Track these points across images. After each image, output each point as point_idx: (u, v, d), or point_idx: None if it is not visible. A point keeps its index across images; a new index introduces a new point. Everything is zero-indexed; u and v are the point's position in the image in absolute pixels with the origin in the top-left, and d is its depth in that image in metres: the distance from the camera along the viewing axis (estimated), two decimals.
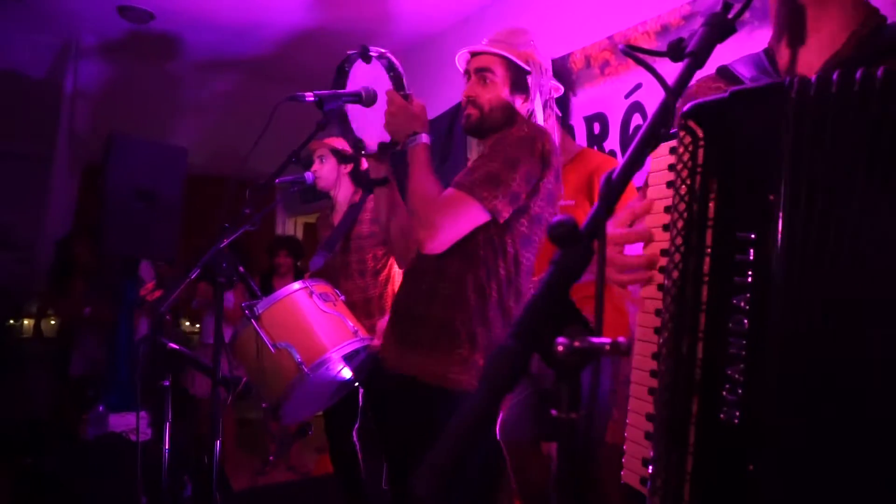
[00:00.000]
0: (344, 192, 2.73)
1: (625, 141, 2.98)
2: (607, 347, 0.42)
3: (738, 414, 0.63)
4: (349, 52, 1.74)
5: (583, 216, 2.17)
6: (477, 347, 1.57)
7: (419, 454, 1.58)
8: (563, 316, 0.41)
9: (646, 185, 0.79)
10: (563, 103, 3.22)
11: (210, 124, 5.45)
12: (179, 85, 5.24)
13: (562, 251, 0.43)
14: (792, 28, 0.82)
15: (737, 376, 0.64)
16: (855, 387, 0.60)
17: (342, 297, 2.41)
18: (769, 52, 0.88)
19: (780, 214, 0.64)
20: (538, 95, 1.70)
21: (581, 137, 3.18)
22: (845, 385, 0.61)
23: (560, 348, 0.41)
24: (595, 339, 0.42)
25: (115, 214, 3.53)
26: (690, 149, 0.68)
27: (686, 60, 0.56)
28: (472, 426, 0.42)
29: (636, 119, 2.93)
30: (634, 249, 0.72)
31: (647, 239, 0.74)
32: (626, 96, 2.95)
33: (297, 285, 2.34)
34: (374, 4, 4.06)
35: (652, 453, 0.70)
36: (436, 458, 0.45)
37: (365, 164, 2.80)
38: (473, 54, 1.73)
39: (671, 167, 0.71)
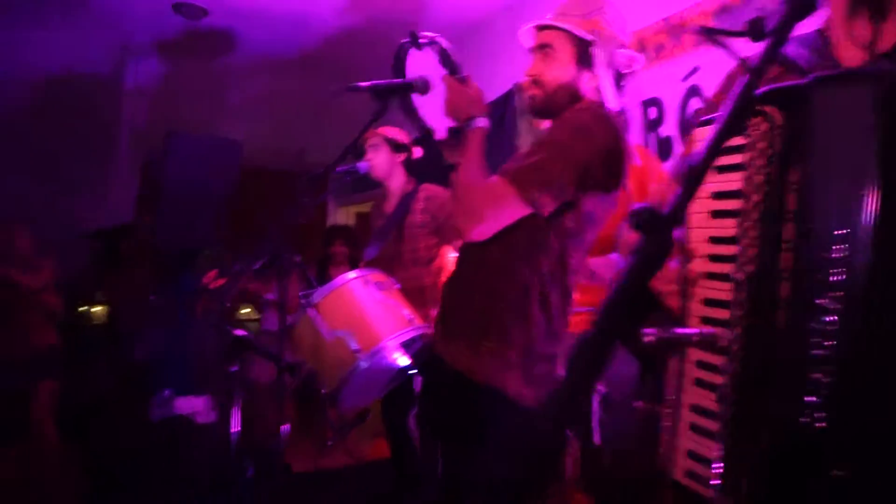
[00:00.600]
0: (397, 182, 2.74)
1: (683, 125, 2.90)
2: (695, 338, 0.41)
3: (823, 417, 0.59)
4: (402, 41, 1.72)
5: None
6: (510, 343, 1.51)
7: (460, 441, 1.56)
8: (646, 305, 0.41)
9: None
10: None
11: (262, 118, 5.56)
12: (232, 80, 5.36)
13: (644, 240, 0.42)
14: (872, 4, 0.78)
15: (823, 379, 0.60)
16: None
17: (397, 286, 2.43)
18: (822, 33, 0.83)
19: (874, 209, 0.60)
20: (604, 69, 1.52)
21: (637, 123, 3.11)
22: None
23: (648, 338, 0.40)
24: (682, 330, 0.41)
25: (172, 207, 3.65)
26: (768, 136, 0.65)
27: (767, 40, 0.53)
28: (558, 417, 0.41)
29: (694, 103, 2.84)
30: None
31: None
32: (684, 79, 2.87)
33: (352, 274, 2.37)
34: None
35: (717, 452, 0.67)
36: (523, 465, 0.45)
37: (417, 154, 2.81)
38: (539, 28, 1.61)
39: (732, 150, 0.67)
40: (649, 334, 0.40)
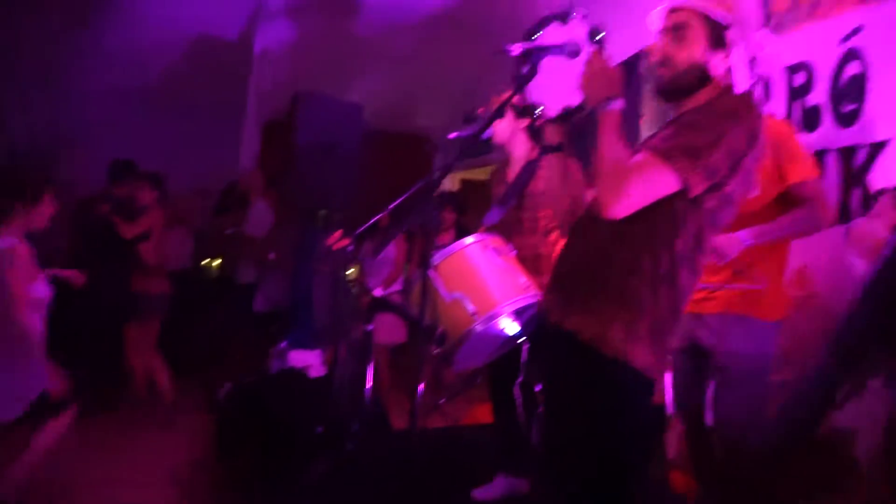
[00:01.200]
0: (520, 148, 2.69)
1: (834, 93, 2.63)
2: None
3: None
4: (547, 14, 1.72)
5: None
6: (643, 315, 1.52)
7: (568, 410, 1.56)
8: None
9: None
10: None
11: (389, 80, 5.64)
12: (360, 42, 5.44)
13: None
14: None
15: None
16: None
17: (514, 252, 2.41)
18: None
19: None
20: (738, 54, 1.56)
21: (780, 90, 2.86)
22: None
23: None
24: None
25: (300, 168, 3.80)
26: None
27: None
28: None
29: (852, 68, 2.56)
30: None
31: None
32: (843, 41, 2.59)
33: (472, 238, 2.37)
34: None
35: None
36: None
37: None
38: (670, 10, 1.62)
39: None
40: None
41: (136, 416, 4.14)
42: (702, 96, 1.59)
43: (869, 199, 2.46)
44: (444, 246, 2.53)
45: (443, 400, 4.67)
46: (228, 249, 5.44)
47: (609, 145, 1.51)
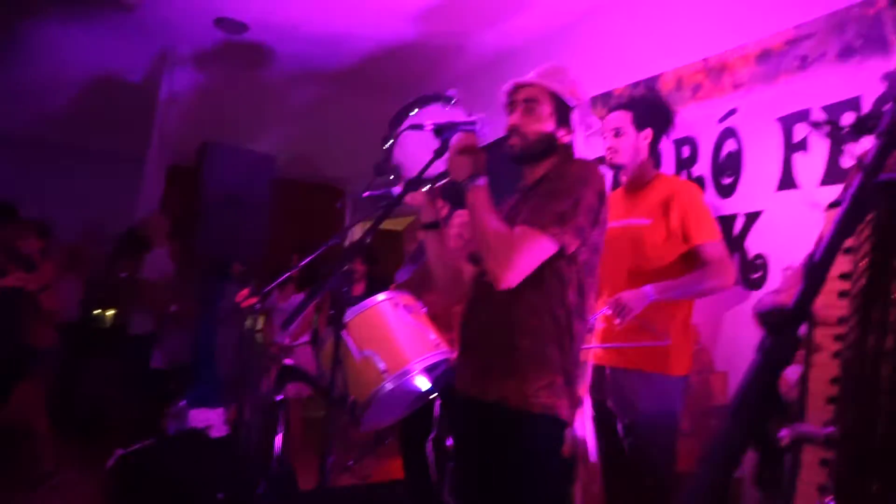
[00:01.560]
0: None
1: (715, 167, 2.91)
2: (822, 436, 0.41)
3: None
4: (411, 99, 1.88)
5: (657, 235, 2.16)
6: (557, 371, 1.66)
7: (500, 474, 1.63)
8: (774, 406, 0.41)
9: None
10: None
11: (298, 132, 5.64)
12: (269, 93, 5.43)
13: (772, 339, 0.43)
14: None
15: None
16: None
17: (424, 309, 2.45)
18: None
19: None
20: (580, 130, 1.80)
21: (669, 160, 3.12)
22: None
23: (784, 441, 0.41)
24: (808, 429, 0.42)
25: (208, 218, 3.70)
26: (871, 224, 0.65)
27: (881, 140, 0.54)
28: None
29: (728, 145, 2.85)
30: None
31: None
32: (720, 121, 2.88)
33: (382, 296, 2.40)
34: (460, 19, 4.11)
35: None
36: None
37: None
38: (520, 86, 1.82)
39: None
40: (785, 436, 0.41)
41: (18, 481, 3.79)
42: (549, 163, 1.80)
43: (748, 264, 2.71)
44: (356, 297, 2.53)
45: (351, 462, 4.57)
46: (123, 299, 5.16)
47: (488, 221, 1.65)
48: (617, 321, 2.30)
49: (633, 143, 2.52)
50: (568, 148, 1.83)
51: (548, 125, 1.78)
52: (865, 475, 0.57)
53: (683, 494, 0.42)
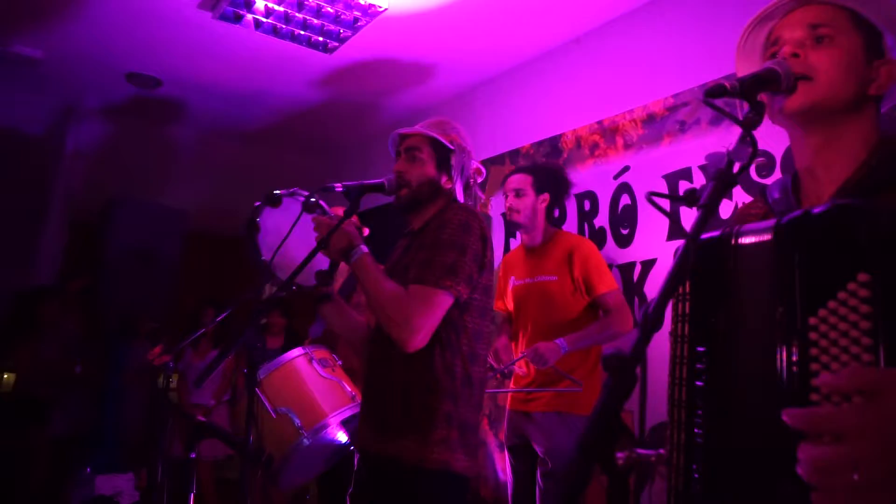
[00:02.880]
0: (343, 265, 2.83)
1: (613, 218, 3.14)
2: (653, 458, 0.52)
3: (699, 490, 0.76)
4: (255, 203, 1.90)
5: (564, 289, 2.35)
6: (452, 425, 1.66)
7: None
8: (617, 432, 0.52)
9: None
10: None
11: (210, 187, 5.57)
12: (180, 148, 5.37)
13: (614, 378, 0.53)
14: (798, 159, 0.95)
15: (699, 458, 0.75)
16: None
17: (339, 363, 2.48)
18: (795, 177, 0.96)
19: (718, 336, 0.79)
20: (460, 175, 1.86)
21: (572, 213, 3.34)
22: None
23: (620, 462, 0.51)
24: (643, 451, 0.52)
25: (113, 274, 3.59)
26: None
27: (699, 211, 0.68)
28: None
29: (624, 199, 3.10)
30: None
31: None
32: (615, 177, 3.14)
33: (296, 352, 2.41)
34: (374, 81, 4.27)
35: None
36: None
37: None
38: (403, 136, 1.92)
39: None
40: (621, 458, 0.51)
41: None
42: (434, 208, 1.84)
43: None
44: (274, 350, 2.52)
45: None
46: (22, 365, 4.84)
47: (380, 288, 1.66)
48: (533, 367, 2.51)
49: (531, 205, 2.75)
50: (450, 194, 1.87)
51: (429, 170, 1.84)
52: (690, 484, 0.71)
53: None
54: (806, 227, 0.74)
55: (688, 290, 0.82)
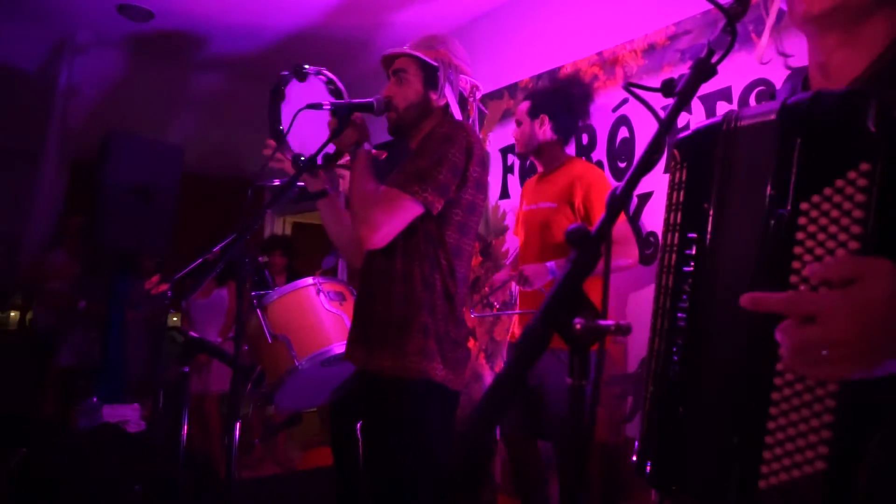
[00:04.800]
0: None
1: (611, 152, 3.12)
2: (612, 328, 0.53)
3: (677, 371, 0.80)
4: (283, 73, 1.92)
5: (561, 216, 2.34)
6: (429, 335, 1.69)
7: (387, 442, 1.70)
8: (578, 303, 0.53)
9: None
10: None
11: (204, 122, 5.52)
12: (175, 83, 5.29)
13: (577, 251, 0.54)
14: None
15: (680, 342, 0.80)
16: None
17: (355, 294, 2.51)
18: (806, 79, 0.93)
19: (709, 220, 0.80)
20: (450, 90, 1.83)
21: (570, 147, 3.31)
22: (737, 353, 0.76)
23: (577, 327, 0.52)
24: (603, 322, 0.53)
25: (112, 210, 3.60)
26: (676, 169, 0.82)
27: (674, 98, 0.67)
28: (503, 391, 0.53)
29: (622, 132, 3.07)
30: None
31: None
32: (614, 110, 3.09)
33: (306, 281, 2.45)
34: (369, 13, 4.17)
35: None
36: (469, 425, 0.56)
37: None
38: (390, 57, 1.90)
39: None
40: (578, 323, 0.52)
41: None
42: (426, 127, 1.84)
43: (643, 241, 2.93)
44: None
45: (257, 441, 4.58)
46: (26, 298, 4.93)
47: (358, 183, 1.71)
48: (519, 288, 2.50)
49: (527, 132, 2.71)
50: (445, 110, 1.85)
51: (417, 90, 1.82)
52: (669, 367, 0.74)
53: (492, 382, 0.53)
54: (813, 110, 0.71)
55: (684, 178, 0.82)
